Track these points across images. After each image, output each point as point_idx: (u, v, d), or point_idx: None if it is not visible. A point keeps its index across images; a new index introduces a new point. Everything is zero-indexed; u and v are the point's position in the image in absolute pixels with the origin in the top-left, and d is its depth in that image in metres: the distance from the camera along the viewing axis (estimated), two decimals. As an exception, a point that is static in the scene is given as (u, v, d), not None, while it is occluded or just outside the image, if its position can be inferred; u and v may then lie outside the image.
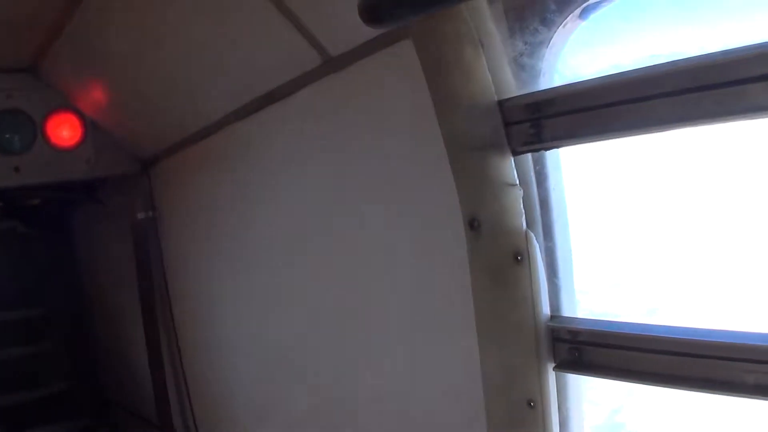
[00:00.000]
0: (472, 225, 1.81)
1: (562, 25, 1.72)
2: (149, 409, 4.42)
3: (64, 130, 3.60)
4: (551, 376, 1.88)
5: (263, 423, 3.28)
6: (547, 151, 1.78)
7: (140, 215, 3.73)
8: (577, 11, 1.70)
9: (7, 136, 3.47)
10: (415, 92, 1.91)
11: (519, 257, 1.76)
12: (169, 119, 3.33)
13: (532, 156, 1.80)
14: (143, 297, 3.86)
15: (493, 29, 1.76)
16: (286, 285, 2.87)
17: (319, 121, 2.41)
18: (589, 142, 1.65)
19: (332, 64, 2.24)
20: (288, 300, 2.87)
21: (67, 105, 3.59)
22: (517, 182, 1.76)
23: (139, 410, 4.67)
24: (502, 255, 1.78)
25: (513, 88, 1.77)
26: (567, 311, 1.90)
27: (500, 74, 1.76)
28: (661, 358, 1.67)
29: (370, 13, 1.50)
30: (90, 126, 3.66)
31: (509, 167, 1.75)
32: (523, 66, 1.76)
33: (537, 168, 1.81)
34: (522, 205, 1.77)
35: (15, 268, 5.25)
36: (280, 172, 2.72)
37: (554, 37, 1.76)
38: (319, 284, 2.64)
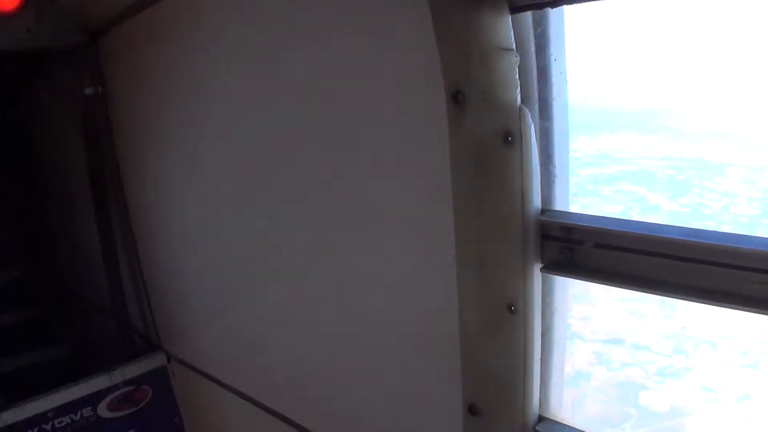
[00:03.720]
0: (456, 98, 1.50)
1: None
2: (105, 300, 4.24)
3: (2, -6, 3.16)
4: (537, 277, 1.64)
5: (221, 318, 3.10)
6: (552, 10, 1.45)
7: (88, 90, 3.37)
8: None
9: None
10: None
11: (509, 138, 1.47)
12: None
13: (533, 15, 1.47)
14: (94, 181, 3.58)
15: None
16: (242, 172, 2.59)
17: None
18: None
19: None
20: (244, 189, 2.61)
21: (5, -35, 3.15)
22: (514, 47, 1.44)
23: (96, 301, 4.47)
24: (489, 134, 1.49)
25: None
26: (560, 205, 1.63)
27: None
28: (661, 262, 1.44)
29: None
30: (32, -11, 3.23)
31: (505, 27, 1.43)
32: None
33: (537, 30, 1.49)
34: (517, 76, 1.46)
35: None
36: (232, 47, 2.38)
37: None
38: (279, 167, 2.35)
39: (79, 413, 3.32)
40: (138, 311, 3.81)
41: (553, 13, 1.48)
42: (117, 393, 3.45)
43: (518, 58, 1.46)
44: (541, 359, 1.71)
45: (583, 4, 1.39)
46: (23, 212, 5.10)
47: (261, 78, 2.28)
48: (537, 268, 1.62)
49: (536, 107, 1.53)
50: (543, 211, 1.59)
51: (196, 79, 2.69)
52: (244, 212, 2.65)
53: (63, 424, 3.26)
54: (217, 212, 2.85)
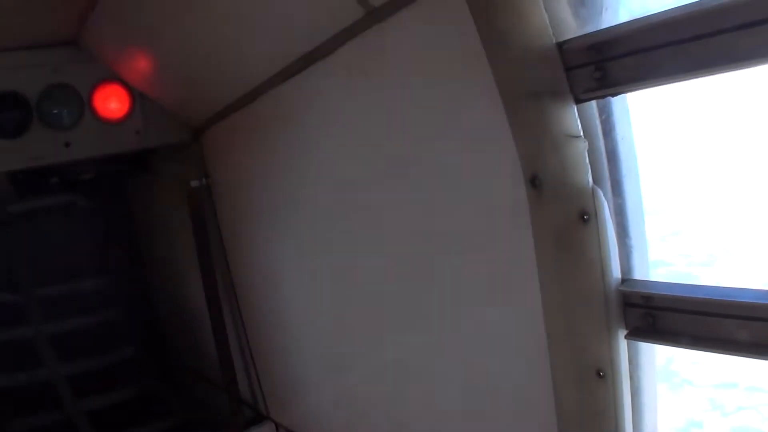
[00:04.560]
0: (534, 182, 1.65)
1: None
2: (214, 372, 4.48)
3: (112, 102, 3.55)
4: (622, 344, 1.73)
5: (326, 384, 3.24)
6: (614, 98, 1.59)
7: (194, 183, 3.69)
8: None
9: (55, 111, 3.43)
10: (465, 38, 1.74)
11: (585, 216, 1.60)
12: (214, 85, 3.24)
13: (597, 104, 1.61)
14: (202, 263, 3.85)
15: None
16: (341, 246, 2.78)
17: (363, 77, 2.27)
18: (661, 84, 1.45)
19: (375, 16, 2.09)
20: (343, 261, 2.79)
21: (112, 76, 3.54)
22: (581, 133, 1.58)
23: (205, 373, 4.75)
24: (566, 214, 1.62)
25: (573, 27, 1.58)
26: (639, 274, 1.73)
27: (558, 12, 1.57)
28: (745, 325, 1.50)
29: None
30: (137, 96, 3.60)
31: (572, 117, 1.57)
32: (583, 2, 1.57)
33: (603, 117, 1.62)
34: (587, 159, 1.59)
35: (76, 241, 5.37)
36: (327, 132, 2.61)
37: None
38: (373, 245, 2.54)
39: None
40: (246, 382, 4.00)
41: (615, 99, 1.62)
42: (228, 463, 3.64)
43: (587, 143, 1.59)
44: (633, 421, 1.78)
45: (643, 90, 1.52)
46: (135, 295, 5.48)
47: (356, 165, 2.49)
48: (621, 334, 1.71)
49: (608, 186, 1.65)
50: (623, 280, 1.69)
51: (293, 166, 2.93)
52: (346, 284, 2.82)
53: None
54: (318, 283, 3.04)
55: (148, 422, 4.70)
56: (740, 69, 1.33)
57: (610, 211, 1.62)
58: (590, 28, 1.57)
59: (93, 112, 3.50)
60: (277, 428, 3.81)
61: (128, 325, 5.32)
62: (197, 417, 4.76)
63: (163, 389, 5.10)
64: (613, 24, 1.52)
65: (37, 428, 4.59)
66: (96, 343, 5.15)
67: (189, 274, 4.38)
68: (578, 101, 1.57)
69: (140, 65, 3.46)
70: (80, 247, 5.37)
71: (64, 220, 5.27)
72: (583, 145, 1.59)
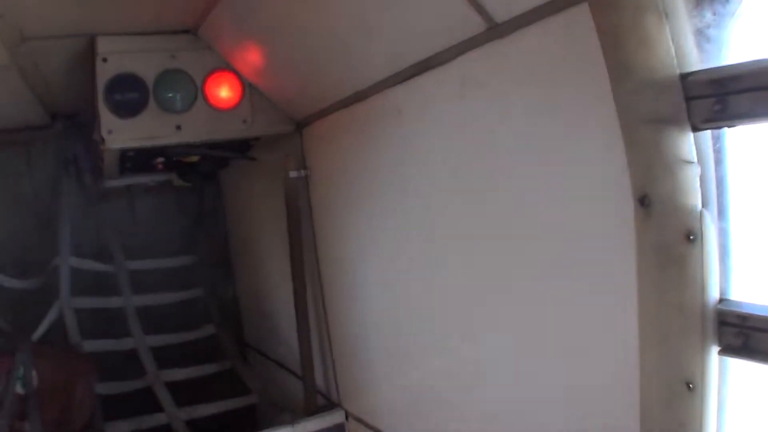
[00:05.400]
0: (643, 202, 1.77)
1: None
2: (286, 357, 4.69)
3: (223, 91, 3.74)
4: (714, 359, 1.82)
5: (398, 378, 3.36)
6: (729, 129, 1.70)
7: (293, 174, 3.86)
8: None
9: (170, 95, 3.64)
10: (587, 62, 1.86)
11: (691, 237, 1.71)
12: (323, 82, 3.40)
13: (712, 133, 1.72)
14: (293, 251, 4.00)
15: (677, -3, 1.69)
16: (431, 255, 2.89)
17: (478, 88, 2.38)
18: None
19: (497, 31, 2.21)
20: (432, 268, 2.90)
21: (226, 67, 3.74)
22: (695, 160, 1.70)
23: (280, 358, 4.94)
24: (673, 234, 1.73)
25: (696, 60, 1.69)
26: (736, 296, 1.82)
27: (683, 46, 1.68)
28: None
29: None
30: (247, 87, 3.79)
31: (687, 143, 1.69)
32: (708, 38, 1.68)
33: (716, 146, 1.73)
34: (698, 184, 1.70)
35: (169, 219, 5.65)
36: (431, 140, 2.72)
37: (742, 7, 1.67)
38: (468, 257, 2.63)
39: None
40: (322, 370, 4.16)
41: (728, 130, 1.72)
42: (298, 446, 3.76)
43: (699, 168, 1.71)
44: (717, 434, 1.87)
45: (758, 124, 1.62)
46: (219, 276, 5.73)
47: (456, 177, 2.60)
48: (714, 350, 1.80)
49: (715, 210, 1.75)
50: (721, 300, 1.79)
51: (389, 165, 3.07)
52: (430, 287, 2.92)
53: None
54: (402, 283, 3.16)
55: (225, 397, 4.90)
56: None
57: (714, 234, 1.72)
58: (711, 63, 1.68)
59: (205, 98, 3.70)
60: (347, 416, 3.93)
61: (210, 305, 5.55)
62: (271, 398, 4.92)
63: (239, 368, 5.29)
64: (735, 62, 1.63)
65: (119, 394, 4.84)
66: (180, 319, 5.38)
67: (275, 261, 4.58)
68: (695, 129, 1.68)
69: (253, 58, 3.64)
70: (172, 226, 5.64)
71: (160, 198, 5.55)
72: (695, 171, 1.70)
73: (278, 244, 4.28)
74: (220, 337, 5.43)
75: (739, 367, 1.84)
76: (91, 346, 4.98)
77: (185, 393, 4.90)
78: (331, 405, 4.10)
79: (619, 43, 1.74)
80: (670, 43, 1.67)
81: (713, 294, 1.77)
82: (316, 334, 4.15)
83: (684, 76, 1.68)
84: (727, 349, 1.79)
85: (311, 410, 4.09)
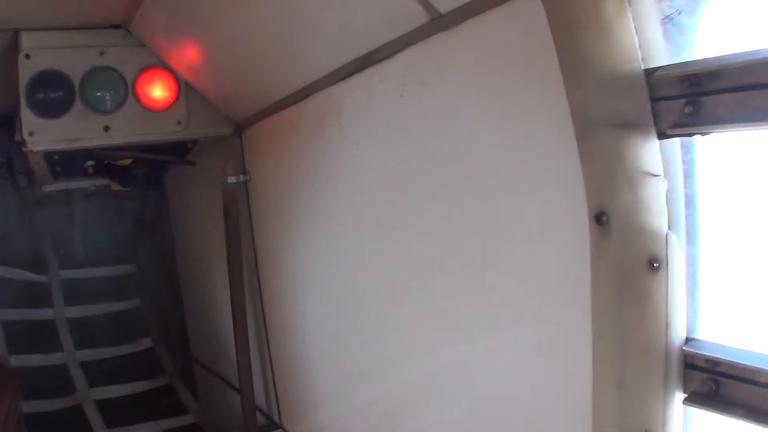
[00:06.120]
0: (599, 219, 1.50)
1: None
2: (230, 373, 4.43)
3: (156, 90, 3.49)
4: (678, 407, 1.57)
5: (341, 397, 3.15)
6: (702, 137, 1.43)
7: (231, 179, 3.62)
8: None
9: (99, 94, 3.38)
10: (539, 56, 1.61)
11: (655, 264, 1.45)
12: (263, 81, 3.17)
13: (681, 142, 1.46)
14: (231, 261, 3.78)
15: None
16: (377, 267, 2.67)
17: (422, 87, 2.14)
18: (761, 128, 1.30)
19: (441, 22, 1.97)
20: (378, 281, 2.68)
21: (159, 64, 3.49)
22: (661, 172, 1.43)
23: (221, 373, 4.69)
24: (634, 259, 1.47)
25: (664, 55, 1.43)
26: (706, 336, 1.57)
27: (649, 37, 1.43)
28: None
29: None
30: (182, 87, 3.55)
31: (652, 153, 1.43)
32: (679, 27, 1.42)
33: (686, 156, 1.48)
34: (665, 202, 1.44)
35: (108, 226, 5.38)
36: (375, 139, 2.49)
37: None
38: (416, 270, 2.41)
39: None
40: (262, 387, 3.93)
41: (702, 139, 1.46)
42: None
43: (666, 183, 1.45)
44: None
45: (736, 132, 1.36)
46: (160, 286, 5.44)
47: (401, 178, 2.38)
48: (679, 398, 1.55)
49: (683, 233, 1.50)
50: (687, 340, 1.54)
51: (332, 170, 2.84)
52: (374, 300, 2.71)
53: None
54: (344, 296, 2.95)
55: (160, 417, 4.66)
56: None
57: (682, 262, 1.46)
58: (682, 58, 1.42)
59: (136, 98, 3.45)
60: None
61: (149, 317, 5.32)
62: (210, 417, 4.70)
63: (177, 385, 5.04)
64: (712, 56, 1.36)
65: (47, 412, 4.58)
66: (116, 332, 5.15)
67: (216, 271, 4.32)
68: (662, 136, 1.43)
69: (189, 55, 3.41)
70: (112, 233, 5.38)
71: (100, 204, 5.26)
72: (661, 185, 1.44)
73: (222, 254, 4.02)
74: (158, 351, 5.13)
75: (706, 418, 1.58)
76: (18, 360, 4.71)
77: (121, 412, 4.64)
78: (272, 425, 3.90)
79: (574, 34, 1.48)
80: (634, 33, 1.42)
81: (679, 332, 1.53)
82: (256, 350, 3.92)
83: (650, 72, 1.43)
84: (694, 398, 1.54)
85: (251, 430, 3.88)
